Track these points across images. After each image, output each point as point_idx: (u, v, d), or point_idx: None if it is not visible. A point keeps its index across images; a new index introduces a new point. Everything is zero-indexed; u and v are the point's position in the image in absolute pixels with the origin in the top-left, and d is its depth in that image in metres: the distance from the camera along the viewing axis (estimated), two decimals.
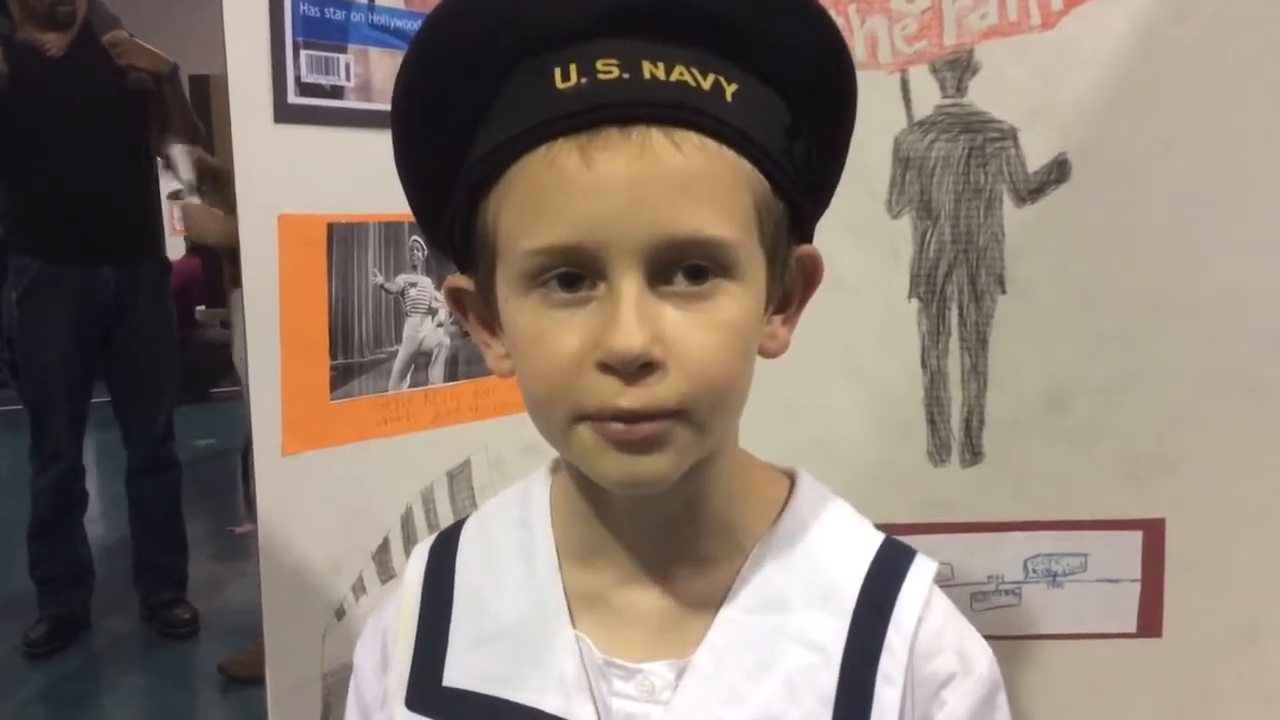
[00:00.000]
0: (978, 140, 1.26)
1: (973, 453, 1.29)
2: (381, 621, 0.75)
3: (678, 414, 0.59)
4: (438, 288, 1.26)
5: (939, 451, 1.30)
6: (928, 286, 1.28)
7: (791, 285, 0.67)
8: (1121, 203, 1.24)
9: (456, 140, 0.62)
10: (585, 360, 0.58)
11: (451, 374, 1.28)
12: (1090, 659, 1.31)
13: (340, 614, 1.21)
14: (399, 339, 1.23)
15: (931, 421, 1.30)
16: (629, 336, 0.56)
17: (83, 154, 3.00)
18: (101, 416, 3.44)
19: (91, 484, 3.44)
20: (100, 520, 4.16)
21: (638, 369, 0.57)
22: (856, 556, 0.68)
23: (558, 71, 0.59)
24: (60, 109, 2.98)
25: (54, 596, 3.32)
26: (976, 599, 1.30)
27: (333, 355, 1.17)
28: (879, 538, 0.70)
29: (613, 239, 0.57)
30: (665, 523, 0.66)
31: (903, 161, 1.27)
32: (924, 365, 1.29)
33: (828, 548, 0.68)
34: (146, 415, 3.29)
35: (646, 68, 0.59)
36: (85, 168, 3.00)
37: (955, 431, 1.29)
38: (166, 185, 3.21)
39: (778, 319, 0.67)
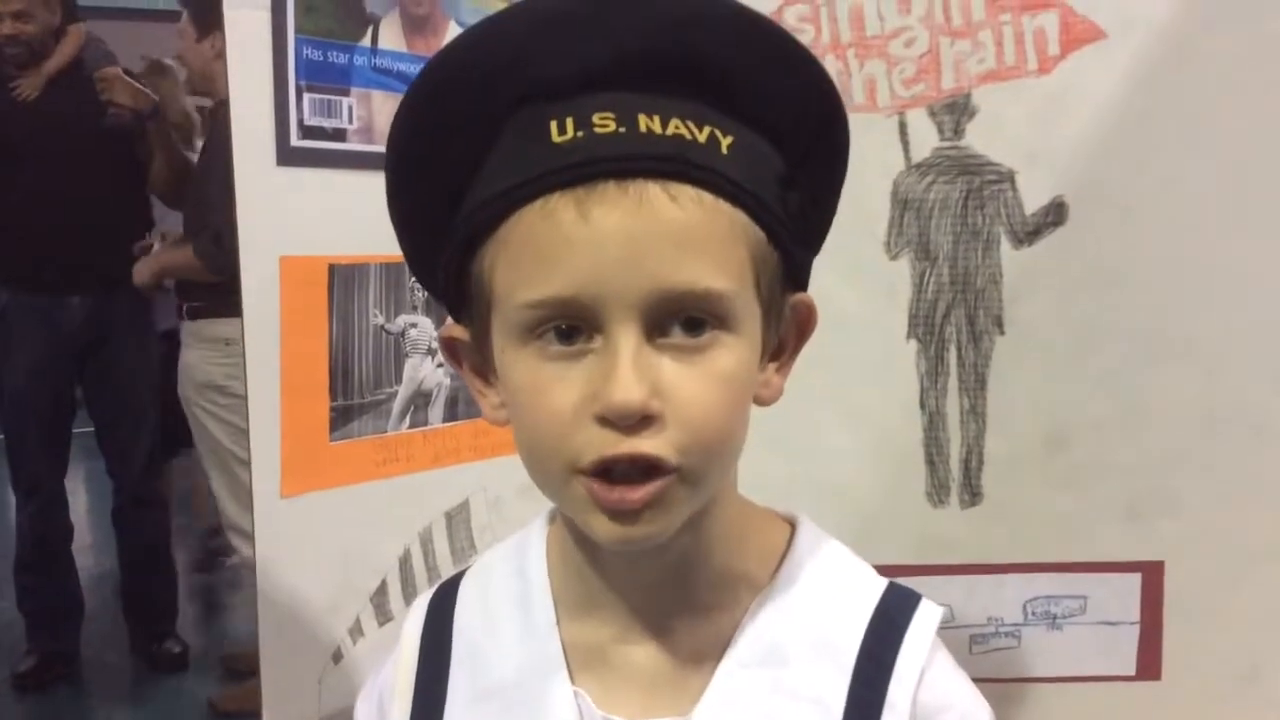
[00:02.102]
0: (975, 182, 1.26)
1: (971, 494, 1.29)
2: (380, 677, 0.75)
3: (674, 470, 0.59)
4: (438, 328, 1.26)
5: (938, 492, 1.30)
6: (926, 327, 1.28)
7: (786, 333, 0.67)
8: (1119, 244, 1.24)
9: (451, 189, 0.62)
10: (582, 413, 0.58)
11: (451, 414, 1.28)
12: (1089, 702, 1.30)
13: (337, 657, 1.20)
14: (399, 380, 1.23)
15: (930, 462, 1.30)
16: (628, 390, 0.56)
17: (55, 187, 3.01)
18: (92, 445, 3.42)
19: (82, 513, 3.43)
20: (90, 551, 4.13)
21: (636, 422, 0.57)
22: (858, 607, 0.68)
23: (554, 125, 0.59)
24: (34, 144, 3.00)
25: (43, 628, 3.29)
26: (976, 641, 1.30)
27: (333, 396, 1.17)
28: (881, 585, 0.69)
29: (610, 292, 0.57)
30: (663, 575, 0.66)
31: (901, 203, 1.27)
32: (922, 406, 1.29)
33: (828, 598, 0.68)
34: (128, 449, 3.27)
35: (643, 121, 0.59)
36: (57, 200, 3.01)
37: (954, 472, 1.29)
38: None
39: (771, 367, 0.67)
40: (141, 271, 3.00)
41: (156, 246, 3.05)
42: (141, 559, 3.36)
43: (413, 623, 0.74)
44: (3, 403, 3.18)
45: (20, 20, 2.98)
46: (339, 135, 1.15)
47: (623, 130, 0.59)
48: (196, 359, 2.88)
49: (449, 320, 0.70)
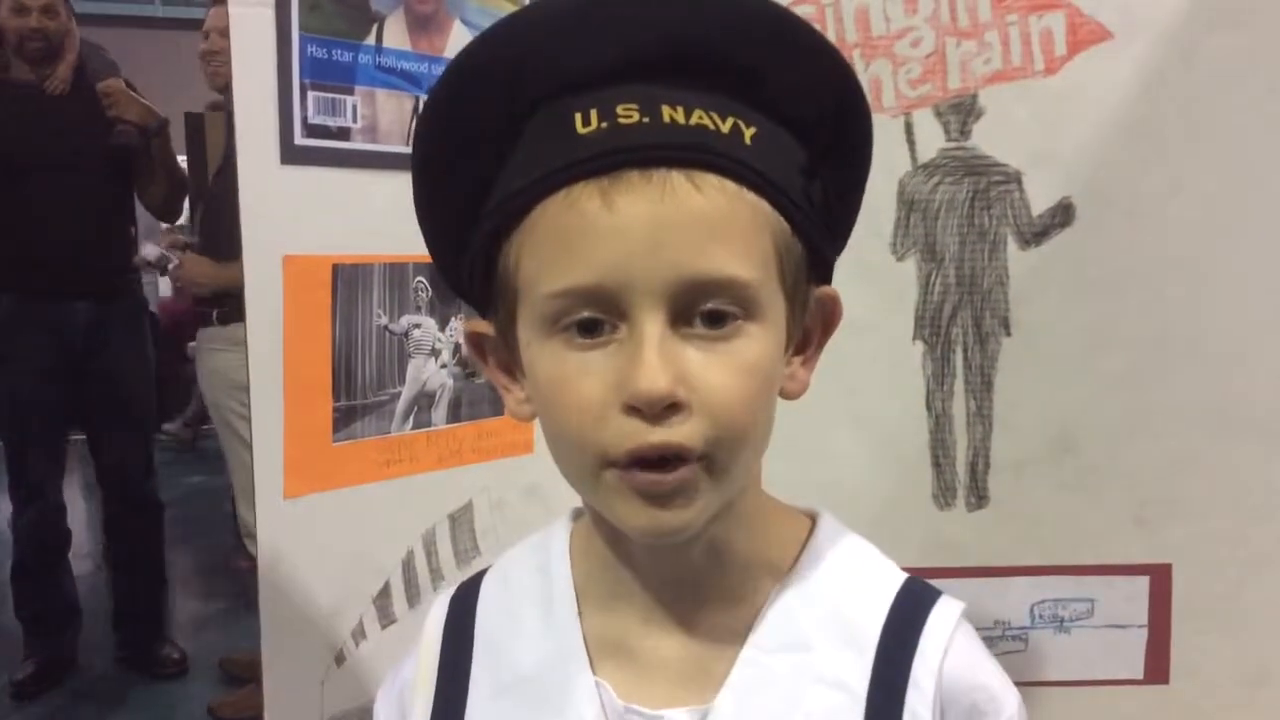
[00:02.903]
0: (982, 183, 1.26)
1: (978, 496, 1.29)
2: (401, 674, 0.75)
3: (701, 458, 0.59)
4: (441, 329, 1.25)
5: (944, 495, 1.29)
6: (932, 329, 1.28)
7: (811, 326, 0.67)
8: (1126, 245, 1.24)
9: (477, 184, 0.63)
10: (610, 403, 0.58)
11: (454, 415, 1.27)
12: (1097, 706, 1.30)
13: (340, 660, 1.19)
14: (402, 380, 1.22)
15: (937, 465, 1.29)
16: (654, 377, 0.56)
17: (62, 194, 2.99)
18: (85, 451, 3.40)
19: (78, 520, 3.40)
20: (87, 558, 4.12)
21: (663, 410, 0.57)
22: (879, 593, 0.67)
23: (578, 116, 0.59)
24: (44, 149, 2.99)
25: (40, 636, 3.28)
26: None
27: (335, 397, 1.16)
28: (902, 576, 0.69)
29: (635, 280, 0.57)
30: (686, 566, 0.66)
31: (907, 204, 1.27)
32: (929, 408, 1.29)
33: (849, 585, 0.68)
34: (122, 454, 3.26)
35: (666, 111, 0.59)
36: (63, 207, 2.99)
37: (961, 475, 1.29)
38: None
39: (797, 360, 0.67)
40: (200, 282, 2.98)
41: (177, 256, 3.05)
42: (134, 567, 3.34)
43: (435, 618, 0.74)
44: (2, 410, 3.17)
45: (47, 15, 3.00)
46: (343, 134, 1.15)
47: (646, 120, 0.59)
48: (227, 363, 2.86)
49: (472, 316, 0.69)
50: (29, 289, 3.03)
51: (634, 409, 0.57)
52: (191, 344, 5.11)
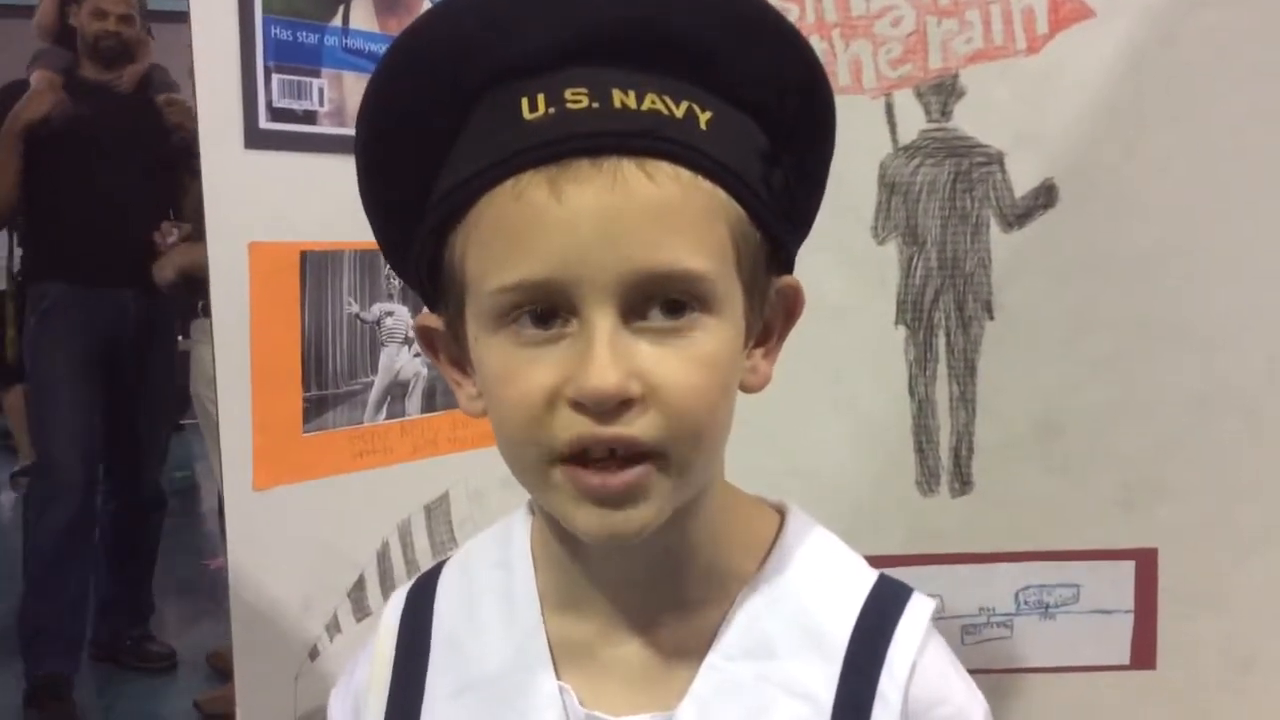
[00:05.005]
0: (964, 165, 1.24)
1: (962, 482, 1.27)
2: (355, 673, 0.73)
3: (655, 455, 0.57)
4: (415, 317, 1.23)
5: (927, 481, 1.28)
6: (914, 313, 1.26)
7: (772, 317, 0.65)
8: (1110, 227, 1.23)
9: (422, 172, 0.61)
10: (558, 399, 0.56)
11: (429, 405, 1.26)
12: (1083, 692, 1.28)
13: (314, 654, 1.18)
14: (374, 369, 1.21)
15: (920, 450, 1.27)
16: (603, 374, 0.54)
17: (121, 189, 3.12)
18: None
19: None
20: None
21: (615, 406, 0.55)
22: (848, 598, 0.66)
23: (525, 101, 0.57)
24: (108, 145, 3.13)
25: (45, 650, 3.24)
26: (968, 632, 1.28)
27: (306, 387, 1.15)
28: (872, 576, 0.67)
29: (585, 274, 0.55)
30: (648, 568, 0.64)
31: (888, 187, 1.25)
32: (911, 393, 1.27)
33: (817, 589, 0.66)
34: (141, 445, 3.28)
35: (617, 96, 0.57)
36: (121, 201, 3.11)
37: (944, 460, 1.27)
38: None
39: (758, 352, 0.65)
40: (165, 270, 3.05)
41: (173, 237, 3.08)
42: (137, 563, 3.35)
43: (390, 615, 0.72)
44: (44, 397, 3.15)
45: (124, 22, 3.21)
46: (309, 118, 1.13)
47: (596, 106, 0.57)
48: (203, 355, 2.87)
49: (424, 309, 0.68)
50: (78, 277, 3.10)
51: (582, 406, 0.55)
52: (178, 338, 5.09)
